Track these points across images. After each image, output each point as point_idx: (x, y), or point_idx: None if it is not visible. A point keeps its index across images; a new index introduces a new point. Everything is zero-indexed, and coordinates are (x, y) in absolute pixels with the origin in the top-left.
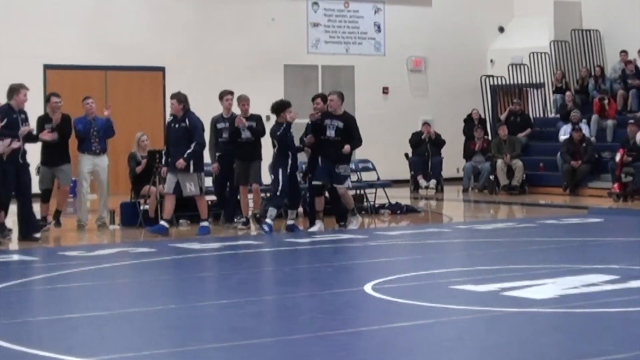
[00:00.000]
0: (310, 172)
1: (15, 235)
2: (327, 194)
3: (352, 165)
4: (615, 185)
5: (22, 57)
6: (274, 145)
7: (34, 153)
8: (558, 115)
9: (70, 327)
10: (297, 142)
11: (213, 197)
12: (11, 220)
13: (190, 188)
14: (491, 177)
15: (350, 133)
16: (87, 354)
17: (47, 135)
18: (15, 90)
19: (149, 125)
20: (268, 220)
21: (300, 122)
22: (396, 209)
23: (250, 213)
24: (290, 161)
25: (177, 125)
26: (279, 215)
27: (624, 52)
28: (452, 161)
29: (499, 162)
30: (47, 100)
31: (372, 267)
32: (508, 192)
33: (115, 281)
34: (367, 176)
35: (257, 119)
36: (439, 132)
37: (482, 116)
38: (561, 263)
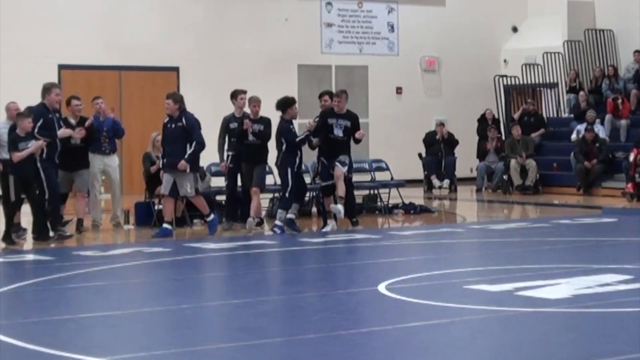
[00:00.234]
0: (318, 173)
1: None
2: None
3: (366, 165)
4: (629, 185)
5: (37, 58)
6: (280, 144)
7: None
8: (571, 115)
9: (85, 327)
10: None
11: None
12: (25, 220)
13: (186, 189)
14: (505, 177)
15: (355, 131)
16: (101, 354)
17: (78, 133)
18: (47, 89)
19: None
20: (278, 223)
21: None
22: (410, 209)
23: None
24: (297, 160)
25: (173, 125)
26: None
27: (637, 52)
28: (466, 161)
29: (513, 162)
30: (67, 103)
31: (386, 267)
32: (522, 192)
33: (129, 281)
34: (380, 176)
35: (265, 122)
36: (452, 132)
37: (496, 116)
38: (575, 263)
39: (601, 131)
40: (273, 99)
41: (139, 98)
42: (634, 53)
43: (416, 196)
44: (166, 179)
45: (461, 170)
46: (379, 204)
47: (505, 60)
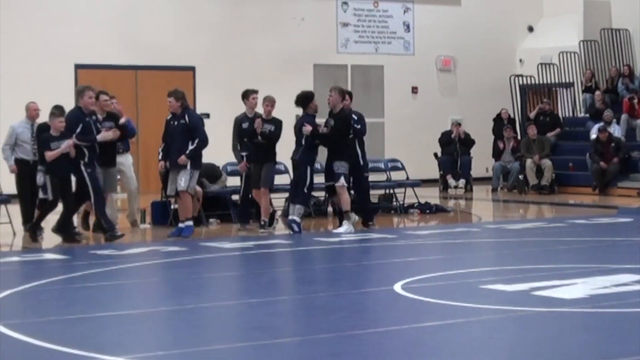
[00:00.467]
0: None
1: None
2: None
3: (382, 165)
4: None
5: (54, 57)
6: (299, 140)
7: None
8: (587, 115)
9: (101, 325)
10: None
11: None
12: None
13: (180, 183)
14: (520, 176)
15: (339, 130)
16: (118, 352)
17: (114, 134)
18: (80, 92)
19: None
20: (296, 219)
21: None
22: (425, 209)
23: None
24: (315, 157)
25: (175, 123)
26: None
27: None
28: (482, 161)
29: (528, 161)
30: (95, 97)
31: (402, 267)
32: (537, 191)
33: (146, 280)
34: (396, 175)
35: (277, 123)
36: (468, 132)
37: (512, 116)
38: (591, 263)
39: (617, 131)
40: (289, 99)
41: (155, 98)
42: None
43: (432, 196)
44: (171, 179)
45: (477, 170)
46: (394, 203)
47: (521, 60)
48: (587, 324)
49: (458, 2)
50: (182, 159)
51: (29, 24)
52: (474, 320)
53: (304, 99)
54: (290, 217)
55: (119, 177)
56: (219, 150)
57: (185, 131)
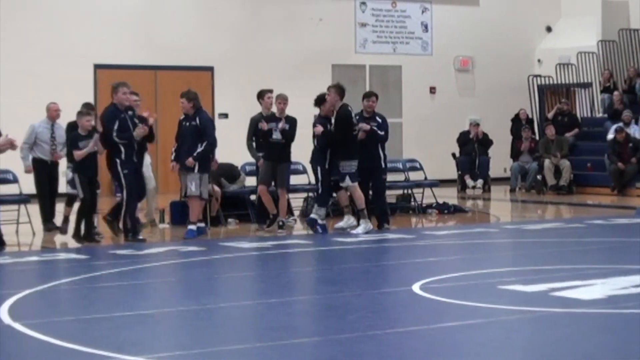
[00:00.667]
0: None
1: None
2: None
3: (400, 165)
4: None
5: (73, 57)
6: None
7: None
8: (605, 115)
9: (120, 325)
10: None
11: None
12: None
13: (191, 188)
14: (538, 177)
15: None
16: (137, 352)
17: (142, 129)
18: (114, 88)
19: None
20: (316, 218)
21: None
22: (443, 209)
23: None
24: (328, 156)
25: (187, 124)
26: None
27: None
28: (500, 161)
29: (547, 162)
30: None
31: (420, 267)
32: (555, 192)
33: (165, 280)
34: (414, 176)
35: (291, 121)
36: (486, 132)
37: (530, 116)
38: (610, 263)
39: (637, 132)
40: (307, 99)
41: (175, 98)
42: None
43: (450, 196)
44: (182, 180)
45: (495, 170)
46: (412, 203)
47: (539, 60)
48: (606, 325)
49: (476, 2)
50: (190, 161)
51: (49, 24)
52: (492, 320)
53: (318, 100)
54: (309, 217)
55: None
56: (238, 150)
57: (195, 133)
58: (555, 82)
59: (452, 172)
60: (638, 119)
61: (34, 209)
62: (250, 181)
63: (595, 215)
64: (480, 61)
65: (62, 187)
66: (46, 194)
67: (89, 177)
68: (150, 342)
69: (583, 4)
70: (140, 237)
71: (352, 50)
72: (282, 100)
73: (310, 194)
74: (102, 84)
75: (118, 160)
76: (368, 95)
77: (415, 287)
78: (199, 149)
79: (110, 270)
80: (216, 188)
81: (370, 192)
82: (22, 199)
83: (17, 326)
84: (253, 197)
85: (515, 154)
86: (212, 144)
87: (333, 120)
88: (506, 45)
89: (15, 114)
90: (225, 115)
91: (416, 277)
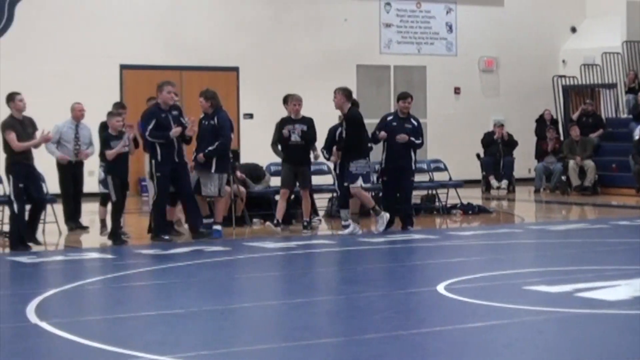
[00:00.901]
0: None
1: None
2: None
3: (425, 165)
4: None
5: (99, 58)
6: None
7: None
8: (630, 116)
9: (146, 325)
10: None
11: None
12: (88, 219)
13: (210, 188)
14: (563, 177)
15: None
16: (163, 352)
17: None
18: (159, 87)
19: None
20: (344, 223)
21: (370, 122)
22: (468, 209)
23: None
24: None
25: (206, 123)
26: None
27: None
28: (524, 161)
29: (571, 162)
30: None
31: (445, 267)
32: (580, 192)
33: (190, 279)
34: (438, 176)
35: (307, 121)
36: (510, 133)
37: (554, 116)
38: (634, 264)
39: None
40: (332, 99)
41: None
42: None
43: (474, 196)
44: (193, 177)
45: (519, 171)
46: (437, 204)
47: (563, 61)
48: (631, 326)
49: (501, 3)
50: (200, 156)
51: (75, 25)
52: (517, 321)
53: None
54: (342, 223)
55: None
56: (263, 150)
57: (213, 132)
58: (579, 82)
59: (476, 173)
60: None
61: (60, 208)
62: (275, 181)
63: (620, 216)
64: (505, 62)
65: (88, 186)
66: (70, 194)
67: (121, 179)
68: (176, 341)
69: (608, 4)
70: (167, 237)
71: (376, 51)
72: (297, 101)
73: (334, 194)
74: (128, 85)
75: (154, 161)
76: (404, 97)
77: (440, 288)
78: (211, 147)
79: (135, 269)
80: (241, 188)
81: (398, 194)
82: (48, 199)
83: (44, 325)
84: (278, 197)
85: (539, 154)
86: (225, 144)
87: (344, 123)
88: (531, 46)
89: (42, 114)
90: (250, 116)
91: (441, 278)
